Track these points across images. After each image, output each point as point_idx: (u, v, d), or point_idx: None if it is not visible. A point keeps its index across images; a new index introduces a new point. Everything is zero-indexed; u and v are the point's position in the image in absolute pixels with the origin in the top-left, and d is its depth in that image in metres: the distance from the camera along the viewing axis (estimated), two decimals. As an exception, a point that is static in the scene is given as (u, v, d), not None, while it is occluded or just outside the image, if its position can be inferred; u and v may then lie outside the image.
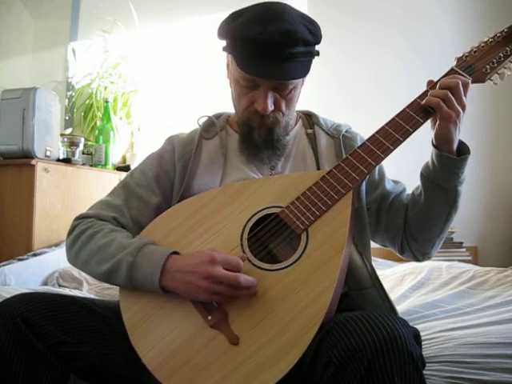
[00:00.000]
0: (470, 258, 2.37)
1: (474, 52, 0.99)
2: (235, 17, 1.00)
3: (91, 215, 1.02)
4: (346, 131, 1.12)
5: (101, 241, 0.94)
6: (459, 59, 0.99)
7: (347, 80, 2.73)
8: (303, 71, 0.99)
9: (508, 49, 0.97)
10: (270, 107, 0.98)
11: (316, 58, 1.02)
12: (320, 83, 2.48)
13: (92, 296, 1.58)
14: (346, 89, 2.72)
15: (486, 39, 1.00)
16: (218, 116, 1.15)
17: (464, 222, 2.42)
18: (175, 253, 0.89)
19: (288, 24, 0.94)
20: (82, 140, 2.39)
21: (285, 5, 1.00)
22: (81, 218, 1.03)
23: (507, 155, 2.64)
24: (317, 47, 1.02)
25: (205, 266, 0.83)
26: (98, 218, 1.01)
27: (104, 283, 1.74)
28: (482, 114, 2.58)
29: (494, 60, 0.97)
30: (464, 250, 2.41)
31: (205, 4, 2.82)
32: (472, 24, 2.64)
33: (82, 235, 0.98)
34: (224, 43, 1.03)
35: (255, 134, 1.03)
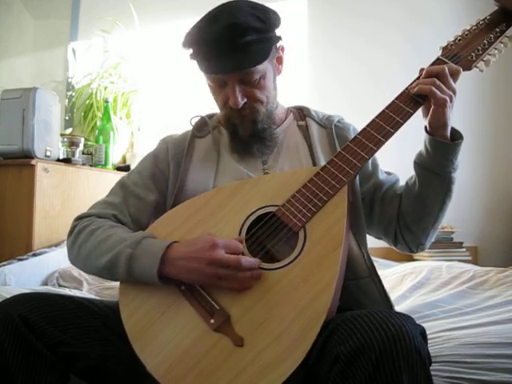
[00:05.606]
0: (469, 258, 2.37)
1: (459, 40, 1.00)
2: (193, 25, 1.02)
3: (91, 214, 1.03)
4: (338, 121, 1.13)
5: (100, 236, 0.95)
6: (444, 48, 1.00)
7: (347, 80, 2.72)
8: (259, 58, 0.99)
9: (492, 36, 0.98)
10: (241, 100, 1.00)
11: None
12: (320, 83, 2.49)
13: (92, 296, 1.58)
14: (346, 88, 2.71)
15: (469, 27, 1.01)
16: (210, 116, 1.17)
17: (464, 221, 2.42)
18: (174, 243, 0.89)
19: (233, 18, 0.95)
20: (82, 140, 2.39)
21: (237, 1, 1.02)
22: (80, 217, 1.04)
23: (507, 155, 2.64)
24: (278, 32, 1.02)
25: (207, 252, 0.83)
26: (97, 216, 1.02)
27: (105, 282, 1.76)
28: (482, 114, 2.58)
29: (479, 47, 0.97)
30: (464, 249, 2.41)
31: (205, 4, 2.81)
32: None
33: (82, 232, 0.98)
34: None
35: (239, 129, 1.05)
